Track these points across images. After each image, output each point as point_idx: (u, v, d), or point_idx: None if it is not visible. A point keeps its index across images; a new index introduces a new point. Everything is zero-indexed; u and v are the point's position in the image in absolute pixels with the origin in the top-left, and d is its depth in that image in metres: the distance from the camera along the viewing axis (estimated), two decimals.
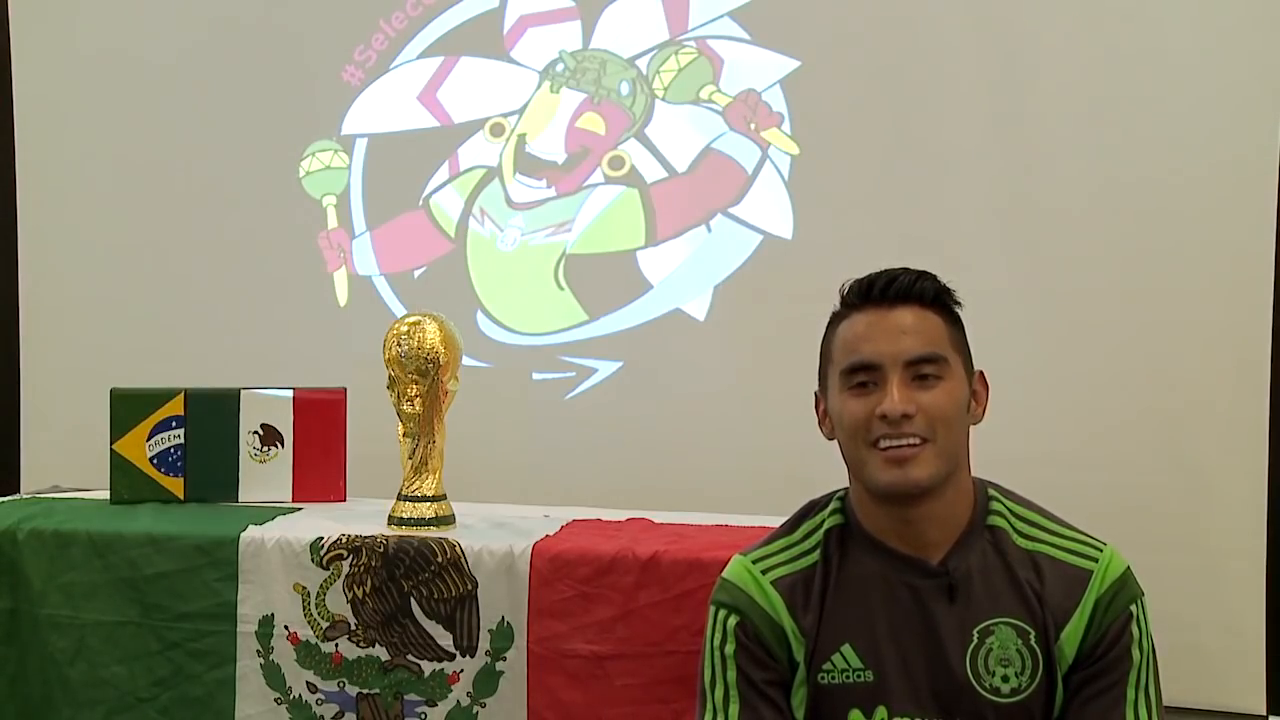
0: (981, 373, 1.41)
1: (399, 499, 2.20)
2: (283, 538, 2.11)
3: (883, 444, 1.32)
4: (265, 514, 2.23)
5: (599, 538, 2.07)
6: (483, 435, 2.77)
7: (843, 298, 1.40)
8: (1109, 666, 1.32)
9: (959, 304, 1.40)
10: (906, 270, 1.38)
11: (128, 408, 2.37)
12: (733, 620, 1.39)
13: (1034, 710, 1.32)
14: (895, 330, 1.34)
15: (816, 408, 1.45)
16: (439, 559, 2.04)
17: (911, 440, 1.31)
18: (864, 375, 1.34)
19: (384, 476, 2.35)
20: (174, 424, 2.37)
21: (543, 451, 3.23)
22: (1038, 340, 2.90)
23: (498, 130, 3.33)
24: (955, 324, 1.39)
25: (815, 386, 1.46)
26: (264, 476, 2.38)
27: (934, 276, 1.39)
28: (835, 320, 1.41)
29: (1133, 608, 1.34)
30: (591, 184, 3.25)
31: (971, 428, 1.40)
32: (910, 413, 1.31)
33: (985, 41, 2.96)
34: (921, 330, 1.35)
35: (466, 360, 2.29)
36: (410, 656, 2.06)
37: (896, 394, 1.31)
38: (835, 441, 1.41)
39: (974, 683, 1.32)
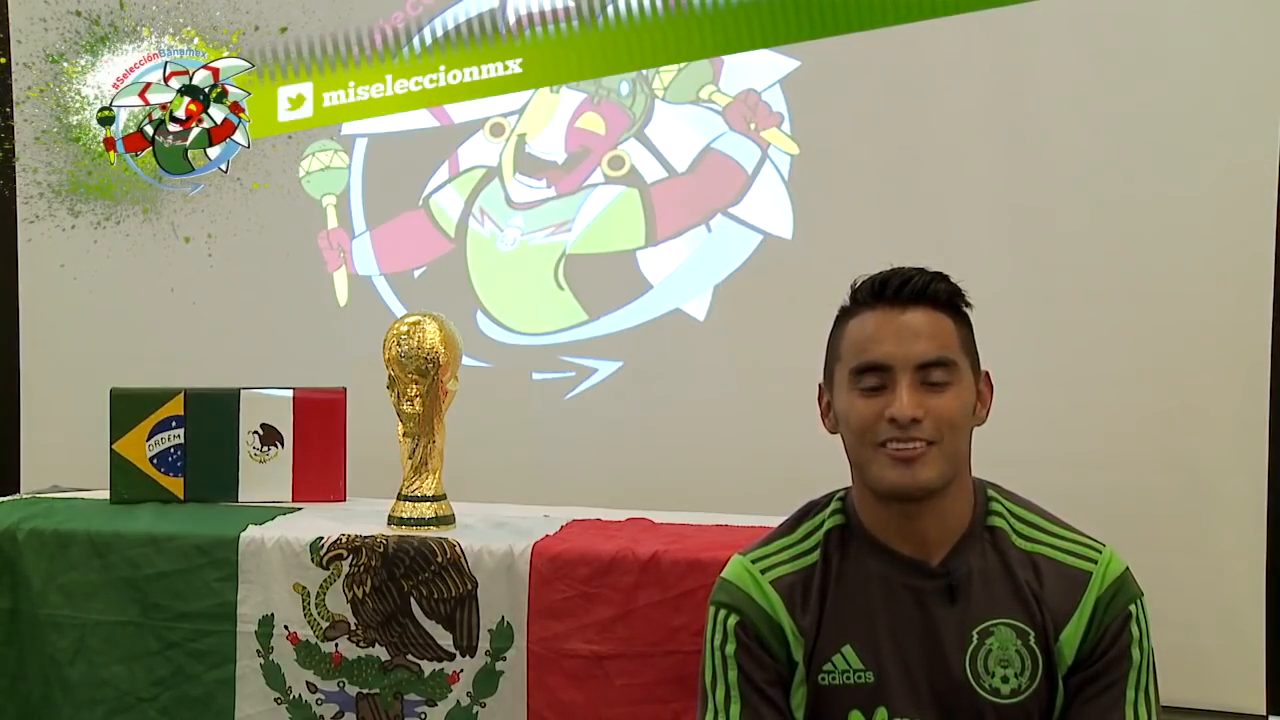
0: (987, 373, 1.41)
1: (399, 499, 2.20)
2: (282, 538, 2.11)
3: (890, 445, 1.31)
4: (265, 514, 2.23)
5: (599, 538, 2.07)
6: (483, 435, 2.77)
7: (854, 294, 1.38)
8: (1109, 666, 1.32)
9: (969, 305, 1.39)
10: (921, 271, 1.36)
11: (128, 408, 2.36)
12: (732, 620, 1.39)
13: (1033, 711, 1.32)
14: (907, 332, 1.33)
15: (819, 400, 1.44)
16: (439, 559, 2.04)
17: (918, 443, 1.30)
18: (874, 377, 1.33)
19: (384, 476, 2.35)
20: (174, 424, 2.36)
21: (543, 451, 3.23)
22: (1037, 341, 2.90)
23: (498, 130, 3.32)
24: (965, 325, 1.38)
25: (814, 386, 1.45)
26: (264, 476, 2.38)
27: (947, 277, 1.37)
28: (845, 316, 1.39)
29: (1132, 608, 1.34)
30: (591, 184, 3.25)
31: (974, 429, 1.39)
32: (919, 417, 1.30)
33: (985, 41, 2.96)
34: (933, 333, 1.34)
35: (466, 360, 2.29)
36: (410, 656, 2.06)
37: (906, 398, 1.30)
38: (837, 436, 1.41)
39: (973, 684, 1.32)
